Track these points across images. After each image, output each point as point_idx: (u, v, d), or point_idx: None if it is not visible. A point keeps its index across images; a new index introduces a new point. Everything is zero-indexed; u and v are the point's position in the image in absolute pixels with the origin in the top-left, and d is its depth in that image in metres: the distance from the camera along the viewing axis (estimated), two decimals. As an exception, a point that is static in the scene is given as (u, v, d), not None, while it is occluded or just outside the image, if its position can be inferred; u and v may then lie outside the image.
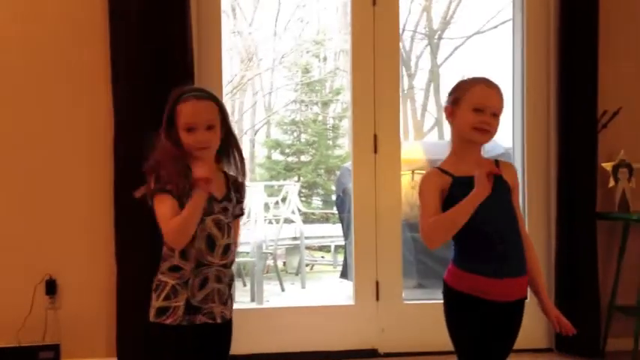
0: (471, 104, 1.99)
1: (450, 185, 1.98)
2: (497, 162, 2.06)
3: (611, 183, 3.53)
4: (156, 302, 1.93)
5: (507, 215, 2.01)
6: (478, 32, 8.94)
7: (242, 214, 2.09)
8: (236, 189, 2.04)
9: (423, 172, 5.74)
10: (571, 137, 3.49)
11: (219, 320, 1.95)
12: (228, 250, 1.96)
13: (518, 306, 2.04)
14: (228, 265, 1.98)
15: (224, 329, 1.99)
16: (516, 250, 2.00)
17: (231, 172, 2.06)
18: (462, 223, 1.92)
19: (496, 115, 2.00)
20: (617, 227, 3.58)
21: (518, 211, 2.07)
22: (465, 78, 2.09)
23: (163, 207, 1.89)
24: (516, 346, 2.17)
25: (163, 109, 3.22)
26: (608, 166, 3.54)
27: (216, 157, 2.01)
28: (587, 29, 3.48)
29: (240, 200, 2.06)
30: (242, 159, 2.06)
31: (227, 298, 1.98)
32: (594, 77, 3.48)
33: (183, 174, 1.90)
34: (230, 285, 2.01)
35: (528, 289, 2.08)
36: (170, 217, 1.87)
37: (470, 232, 1.96)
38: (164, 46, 3.24)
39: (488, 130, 1.99)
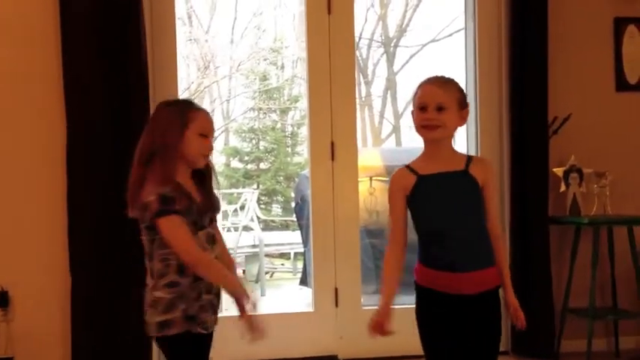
0: (417, 104, 2.05)
1: (414, 184, 2.03)
2: (469, 158, 2.08)
3: (563, 188, 3.62)
4: (157, 317, 1.94)
5: (463, 212, 2.02)
6: (433, 40, 9.06)
7: (215, 221, 2.10)
8: (211, 199, 2.05)
9: (381, 178, 5.80)
10: (523, 143, 3.57)
11: (210, 329, 2.00)
12: (218, 262, 2.00)
13: (484, 298, 2.05)
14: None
15: (209, 339, 2.04)
16: (472, 246, 2.02)
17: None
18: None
19: (443, 109, 2.00)
20: (568, 231, 3.67)
21: (490, 205, 2.07)
22: None
23: (181, 230, 1.88)
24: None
25: (117, 117, 3.23)
26: (559, 171, 3.63)
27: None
28: (538, 38, 3.56)
29: (217, 209, 2.09)
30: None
31: (217, 308, 2.02)
32: (545, 84, 3.57)
33: (188, 190, 1.94)
34: (218, 294, 2.03)
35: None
36: (190, 239, 1.89)
37: (426, 230, 2.05)
38: (117, 51, 3.21)
39: (434, 126, 2.00)
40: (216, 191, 2.09)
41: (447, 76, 2.09)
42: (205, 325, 1.97)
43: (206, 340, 2.00)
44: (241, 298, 1.97)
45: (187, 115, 1.95)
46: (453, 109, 2.01)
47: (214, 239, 2.01)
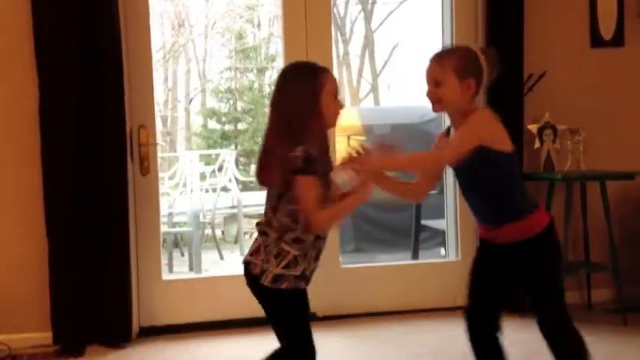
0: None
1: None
2: None
3: (537, 144, 3.66)
4: (275, 269, 1.96)
5: (470, 179, 2.15)
6: (411, -4, 8.99)
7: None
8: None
9: (359, 137, 5.81)
10: (498, 100, 3.52)
11: (308, 284, 2.04)
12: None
13: (519, 247, 2.14)
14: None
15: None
16: (486, 208, 2.16)
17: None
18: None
19: (439, 83, 2.07)
20: (542, 187, 3.72)
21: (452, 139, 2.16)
22: None
23: (311, 191, 1.90)
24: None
25: (90, 77, 3.19)
26: (533, 128, 3.66)
27: None
28: (514, -5, 3.56)
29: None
30: None
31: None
32: (520, 42, 3.57)
33: (327, 152, 1.97)
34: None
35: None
36: (316, 202, 1.90)
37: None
38: (89, 9, 3.15)
39: (435, 100, 2.11)
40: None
41: (452, 46, 2.17)
42: (309, 282, 2.03)
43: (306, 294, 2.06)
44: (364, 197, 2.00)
45: (320, 80, 1.96)
46: (450, 82, 2.07)
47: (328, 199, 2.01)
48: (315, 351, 2.05)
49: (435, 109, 2.14)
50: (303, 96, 1.93)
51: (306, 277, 1.99)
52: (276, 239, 1.97)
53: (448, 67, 2.08)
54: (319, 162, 1.90)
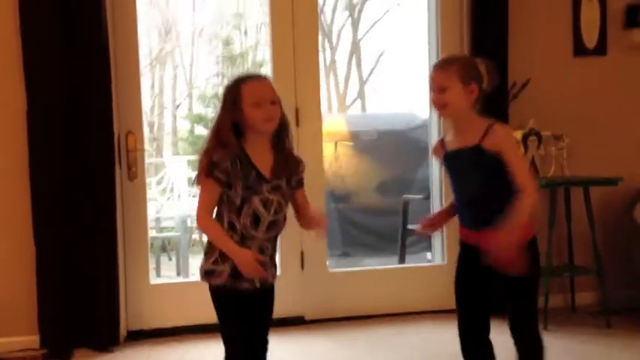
0: (429, 87, 2.22)
1: (442, 157, 2.26)
2: (488, 130, 2.17)
3: (521, 151, 3.71)
4: (204, 265, 2.08)
5: (471, 185, 2.20)
6: (398, 4, 9.05)
7: (302, 184, 2.18)
8: (286, 164, 2.11)
9: (346, 143, 5.85)
10: (483, 108, 3.59)
11: (257, 285, 2.08)
12: (275, 225, 2.08)
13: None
14: (271, 239, 2.10)
15: (264, 294, 2.13)
16: (484, 213, 2.18)
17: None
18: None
19: (444, 89, 2.15)
20: (527, 192, 3.77)
21: (512, 168, 2.14)
22: None
23: (205, 194, 2.05)
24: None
25: (76, 84, 3.20)
26: (518, 134, 3.70)
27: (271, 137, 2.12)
28: (498, 4, 3.61)
29: (295, 173, 2.15)
30: (291, 149, 2.16)
31: (268, 268, 2.10)
32: (505, 50, 3.63)
33: (234, 159, 2.02)
34: (272, 255, 2.14)
35: None
36: (207, 206, 2.04)
37: (453, 197, 2.28)
38: (76, 16, 3.17)
39: (440, 105, 2.18)
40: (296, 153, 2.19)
41: (454, 55, 2.27)
42: (253, 282, 2.06)
43: (255, 296, 2.09)
44: (240, 267, 2.01)
45: (239, 91, 2.06)
46: (455, 88, 2.15)
47: (268, 205, 2.05)
48: (252, 350, 2.11)
49: (440, 115, 2.26)
50: (223, 106, 2.07)
51: (239, 275, 2.02)
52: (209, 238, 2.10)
53: (453, 74, 2.16)
54: (223, 165, 1.99)
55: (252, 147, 2.06)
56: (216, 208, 2.07)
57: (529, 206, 2.12)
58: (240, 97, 2.05)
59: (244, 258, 2.00)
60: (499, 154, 2.13)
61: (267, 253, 2.09)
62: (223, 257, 2.03)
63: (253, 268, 2.01)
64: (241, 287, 2.04)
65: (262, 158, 2.07)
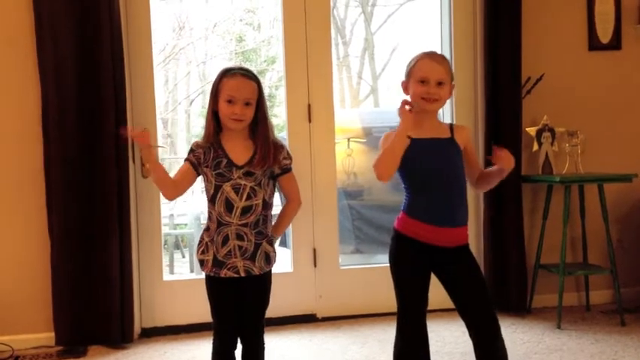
0: (417, 77, 2.21)
1: (409, 146, 2.18)
2: (451, 126, 2.29)
3: (535, 147, 3.68)
4: (197, 256, 2.25)
5: (450, 175, 2.21)
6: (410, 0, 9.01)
7: (286, 170, 2.26)
8: (264, 155, 2.18)
9: (359, 140, 5.84)
10: (497, 103, 3.61)
11: (242, 274, 2.17)
12: (249, 211, 2.16)
13: (459, 251, 2.24)
14: (249, 225, 2.17)
15: (251, 282, 2.20)
16: (453, 205, 2.21)
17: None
18: (398, 155, 2.14)
19: (442, 84, 2.20)
20: (541, 189, 3.75)
21: (475, 162, 2.33)
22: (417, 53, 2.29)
23: (177, 173, 2.24)
24: (446, 304, 2.29)
25: (92, 83, 3.22)
26: (532, 130, 3.69)
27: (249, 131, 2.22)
28: (512, -2, 3.59)
29: (276, 161, 2.21)
30: (268, 136, 2.22)
31: (253, 255, 2.18)
32: (518, 45, 3.60)
33: (208, 147, 2.19)
34: (258, 243, 2.19)
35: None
36: (175, 177, 2.22)
37: (415, 187, 2.23)
38: (90, 13, 3.19)
39: (435, 99, 2.20)
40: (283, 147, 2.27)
41: (438, 53, 2.29)
42: (236, 269, 2.17)
43: (241, 283, 2.19)
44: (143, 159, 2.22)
45: (218, 85, 2.19)
46: (448, 85, 2.23)
47: (239, 190, 2.15)
48: (223, 344, 2.22)
49: (431, 107, 2.22)
50: (210, 94, 2.20)
51: (220, 263, 2.16)
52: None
53: (448, 70, 2.23)
54: (198, 152, 2.18)
55: (228, 136, 2.19)
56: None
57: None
58: (218, 90, 2.17)
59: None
60: (464, 149, 2.25)
61: (245, 239, 2.16)
62: (207, 246, 2.19)
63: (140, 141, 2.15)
64: (222, 275, 2.16)
65: (237, 148, 2.18)
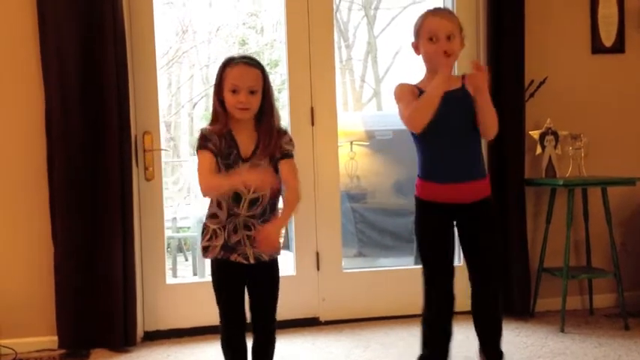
0: (426, 35, 2.22)
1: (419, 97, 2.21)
2: (464, 76, 2.30)
3: (538, 150, 3.68)
4: (201, 242, 2.24)
5: (463, 126, 2.23)
6: (414, 2, 9.02)
7: (286, 155, 2.23)
8: (267, 143, 2.18)
9: (362, 143, 5.84)
10: (500, 106, 3.57)
11: (252, 261, 2.18)
12: (256, 202, 2.17)
13: (479, 205, 2.27)
14: (257, 216, 2.17)
15: (261, 270, 2.21)
16: (469, 158, 2.24)
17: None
18: (436, 103, 2.14)
19: (451, 37, 2.19)
20: (544, 192, 3.74)
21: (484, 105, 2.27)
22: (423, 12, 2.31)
23: (203, 161, 2.15)
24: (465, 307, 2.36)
25: (95, 86, 3.23)
26: (535, 134, 3.68)
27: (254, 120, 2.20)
28: (515, 1, 3.58)
29: (279, 147, 2.20)
30: (273, 125, 2.20)
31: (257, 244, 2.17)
32: (521, 48, 3.60)
33: (220, 135, 2.15)
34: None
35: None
36: (206, 171, 2.14)
37: (428, 145, 2.26)
38: (94, 15, 3.19)
39: (449, 53, 2.20)
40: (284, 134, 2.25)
41: (443, 7, 2.28)
42: (246, 256, 2.17)
43: (250, 269, 2.19)
44: (241, 184, 2.11)
45: (221, 75, 2.17)
46: (458, 38, 2.23)
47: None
48: (229, 326, 2.23)
49: (447, 63, 2.19)
50: (215, 85, 2.18)
51: (229, 248, 2.16)
52: (205, 217, 2.23)
53: (457, 24, 2.23)
54: (214, 140, 2.13)
55: (237, 126, 2.17)
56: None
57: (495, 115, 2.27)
58: (222, 80, 2.15)
59: (245, 178, 2.09)
60: (475, 92, 2.21)
61: (253, 229, 2.17)
62: (216, 234, 2.18)
63: (256, 177, 2.08)
64: (232, 259, 2.16)
65: (245, 137, 2.17)
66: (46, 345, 3.26)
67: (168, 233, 4.93)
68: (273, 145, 2.18)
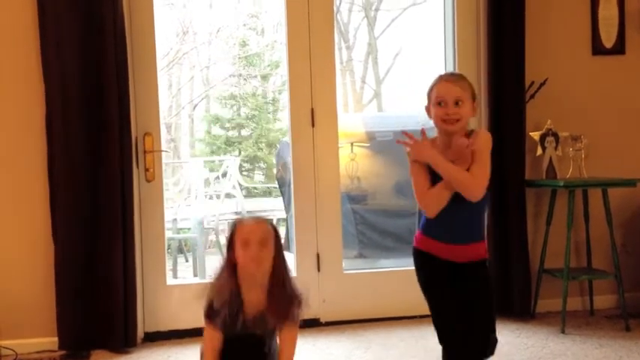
0: (435, 100, 2.24)
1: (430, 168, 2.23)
2: (470, 133, 2.27)
3: (539, 151, 3.68)
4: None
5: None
6: (414, 4, 9.02)
7: (292, 321, 2.17)
8: (276, 309, 2.13)
9: (362, 144, 5.84)
10: (500, 108, 3.61)
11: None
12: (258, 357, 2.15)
13: (475, 266, 2.26)
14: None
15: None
16: (469, 224, 2.24)
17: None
18: (449, 191, 2.18)
19: (459, 103, 2.20)
20: (544, 194, 3.74)
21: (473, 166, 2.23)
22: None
23: (205, 342, 2.23)
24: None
25: (96, 88, 3.23)
26: (535, 135, 3.68)
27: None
28: (515, 3, 3.58)
29: (288, 313, 2.15)
30: (286, 284, 2.16)
31: None
32: (522, 49, 3.60)
33: (230, 304, 2.12)
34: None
35: None
36: (206, 345, 2.20)
37: None
38: (94, 16, 3.20)
39: (454, 120, 2.21)
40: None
41: (457, 72, 2.30)
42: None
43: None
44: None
45: (232, 233, 2.15)
46: (468, 102, 2.23)
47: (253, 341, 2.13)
48: None
49: (451, 129, 2.22)
50: (227, 246, 2.16)
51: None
52: None
53: (467, 88, 2.24)
54: (222, 313, 2.10)
55: (246, 286, 2.12)
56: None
57: (463, 179, 2.16)
58: (233, 237, 2.14)
59: None
60: (474, 152, 2.20)
61: None
62: None
63: None
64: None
65: (254, 298, 2.12)
66: (47, 346, 3.26)
67: (168, 234, 4.92)
68: (285, 307, 2.14)
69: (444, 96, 2.21)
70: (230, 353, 2.17)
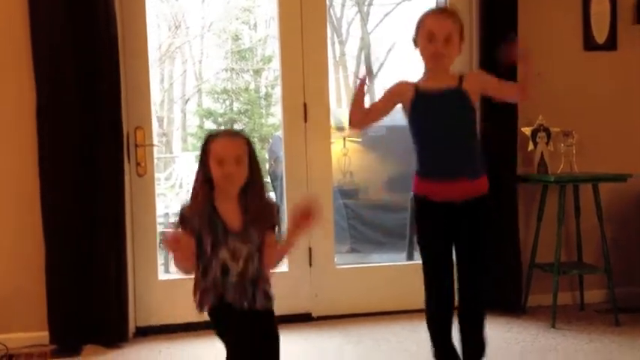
0: (424, 35, 2.21)
1: (411, 98, 2.24)
2: (461, 76, 2.29)
3: (530, 147, 3.69)
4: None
5: (455, 125, 2.23)
6: (407, -1, 9.01)
7: (273, 227, 2.15)
8: (255, 217, 2.11)
9: (355, 139, 5.84)
10: (492, 103, 3.59)
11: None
12: (245, 274, 2.10)
13: (472, 204, 2.27)
14: (247, 281, 2.11)
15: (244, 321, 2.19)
16: (461, 157, 2.23)
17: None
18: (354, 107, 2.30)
19: (449, 39, 2.17)
20: (536, 189, 3.76)
21: (501, 84, 2.40)
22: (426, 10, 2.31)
23: (182, 243, 2.11)
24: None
25: (86, 80, 3.21)
26: (527, 130, 3.69)
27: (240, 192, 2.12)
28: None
29: (268, 220, 2.13)
30: (262, 196, 2.14)
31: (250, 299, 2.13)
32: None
33: (203, 213, 2.07)
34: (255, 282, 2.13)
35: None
36: (184, 253, 2.09)
37: (421, 143, 2.27)
38: (85, 11, 3.18)
39: (441, 55, 2.19)
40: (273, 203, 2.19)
41: (448, 7, 2.27)
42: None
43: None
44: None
45: (206, 147, 2.11)
46: (456, 40, 2.21)
47: (241, 255, 2.08)
48: None
49: (440, 65, 2.21)
50: (199, 160, 2.12)
51: (204, 305, 2.21)
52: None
53: (457, 26, 2.22)
54: (193, 221, 2.05)
55: (222, 200, 2.09)
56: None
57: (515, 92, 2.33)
58: (207, 154, 2.10)
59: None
60: (482, 86, 2.26)
61: (242, 284, 2.11)
62: (194, 288, 2.17)
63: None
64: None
65: (231, 211, 2.09)
66: (38, 340, 3.25)
67: (160, 229, 4.91)
68: (265, 214, 2.12)
69: (434, 31, 2.18)
70: (239, 330, 2.17)
